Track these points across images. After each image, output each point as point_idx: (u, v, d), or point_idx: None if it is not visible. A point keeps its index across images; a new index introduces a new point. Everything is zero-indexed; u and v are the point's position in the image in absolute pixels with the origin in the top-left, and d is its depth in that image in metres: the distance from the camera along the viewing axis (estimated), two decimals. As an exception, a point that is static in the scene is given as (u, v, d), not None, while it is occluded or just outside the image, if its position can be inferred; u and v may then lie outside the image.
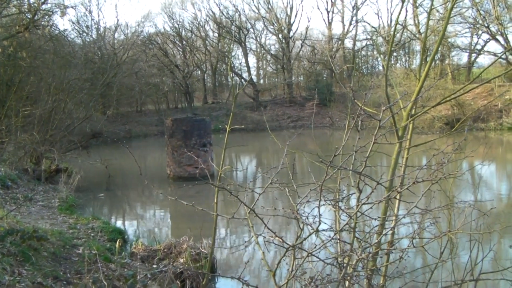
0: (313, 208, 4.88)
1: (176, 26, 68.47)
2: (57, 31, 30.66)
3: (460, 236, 6.60)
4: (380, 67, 67.30)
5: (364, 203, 4.69)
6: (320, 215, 4.54)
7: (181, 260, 11.88)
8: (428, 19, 7.43)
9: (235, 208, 5.40)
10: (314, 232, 4.51)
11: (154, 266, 11.88)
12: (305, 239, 4.58)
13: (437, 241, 6.21)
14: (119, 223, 19.19)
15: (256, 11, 66.89)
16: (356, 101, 5.06)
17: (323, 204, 4.71)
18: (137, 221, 20.24)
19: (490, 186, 24.78)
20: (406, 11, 61.83)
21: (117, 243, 12.91)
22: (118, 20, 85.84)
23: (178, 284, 10.62)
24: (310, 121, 53.58)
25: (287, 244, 4.58)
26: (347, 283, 4.63)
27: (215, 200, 5.70)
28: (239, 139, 39.78)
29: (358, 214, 4.83)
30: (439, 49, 59.82)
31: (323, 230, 4.74)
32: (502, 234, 13.68)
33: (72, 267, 10.46)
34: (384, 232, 5.05)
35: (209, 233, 12.10)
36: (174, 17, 68.85)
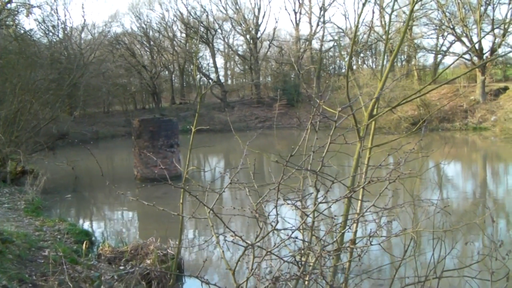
0: (273, 207, 4.94)
1: (144, 26, 68.37)
2: (22, 31, 30.36)
3: (426, 235, 6.70)
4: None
5: (320, 202, 4.77)
6: (277, 214, 4.59)
7: (148, 261, 11.85)
8: (390, 21, 7.53)
9: (203, 208, 5.43)
10: (273, 231, 4.56)
11: (121, 267, 11.83)
12: (263, 237, 4.62)
13: (401, 240, 6.30)
14: (86, 225, 19.05)
15: (224, 11, 66.99)
16: (318, 101, 5.12)
17: (282, 204, 4.78)
18: (104, 222, 20.11)
19: (456, 185, 25.10)
20: (373, 12, 62.66)
21: (84, 245, 12.82)
22: (85, 20, 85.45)
23: (144, 285, 10.60)
24: (278, 121, 53.70)
25: (246, 242, 4.63)
26: (306, 281, 4.69)
27: (181, 201, 5.71)
28: (207, 140, 39.77)
29: (320, 212, 4.92)
30: (405, 50, 60.58)
31: (282, 229, 4.81)
32: (467, 232, 13.88)
33: (37, 269, 10.38)
34: (343, 231, 5.10)
35: (177, 234, 12.11)
36: (142, 17, 68.79)
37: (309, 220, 4.73)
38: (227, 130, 51.15)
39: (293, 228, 4.69)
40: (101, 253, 13.01)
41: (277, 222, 4.56)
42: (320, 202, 4.78)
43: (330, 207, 5.05)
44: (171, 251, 12.08)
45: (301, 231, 4.91)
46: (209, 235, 16.52)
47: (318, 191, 4.85)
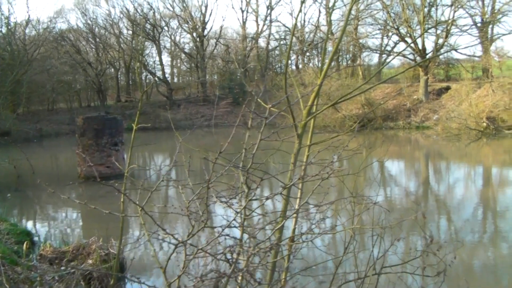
0: (216, 205, 4.95)
1: (89, 22, 67.58)
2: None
3: (368, 232, 6.77)
4: (294, 67, 68.17)
5: (250, 199, 4.79)
6: (207, 211, 4.59)
7: (90, 261, 11.72)
8: (329, 20, 7.60)
9: (148, 206, 5.39)
10: (202, 228, 4.57)
11: (62, 268, 11.65)
12: (193, 235, 4.62)
13: (342, 238, 6.36)
14: (29, 225, 18.73)
15: (171, 9, 66.66)
16: (250, 99, 5.14)
17: (214, 202, 4.79)
18: (48, 222, 19.80)
19: (399, 183, 25.52)
20: (320, 11, 63.22)
21: (24, 245, 12.61)
22: (29, 15, 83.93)
23: (83, 286, 10.45)
24: (224, 119, 53.72)
25: (177, 240, 4.62)
26: (239, 278, 4.70)
27: (121, 199, 5.65)
28: (153, 138, 39.43)
29: (252, 211, 4.95)
30: (351, 49, 61.24)
31: (212, 226, 4.81)
32: (410, 229, 14.13)
33: (-25, 270, 10.14)
34: (276, 228, 5.13)
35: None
36: (88, 13, 68.00)
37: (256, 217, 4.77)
38: (173, 128, 50.63)
39: (229, 225, 4.70)
40: (42, 253, 12.81)
41: (207, 219, 4.56)
42: (250, 199, 4.81)
43: (263, 204, 5.08)
44: (113, 251, 11.97)
45: (240, 229, 4.93)
46: (157, 233, 16.42)
47: (249, 188, 4.87)
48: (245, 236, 5.09)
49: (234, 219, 4.68)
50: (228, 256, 4.60)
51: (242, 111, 5.38)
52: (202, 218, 4.62)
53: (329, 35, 50.65)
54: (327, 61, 6.12)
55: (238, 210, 4.78)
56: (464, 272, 12.42)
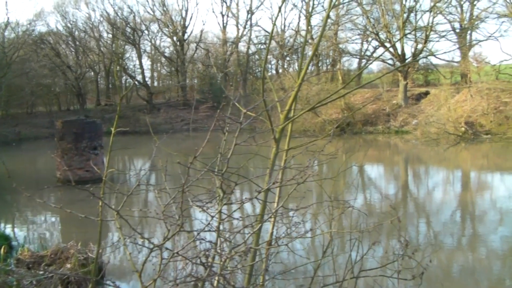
0: (184, 209, 4.96)
1: (69, 25, 67.11)
2: None
3: (347, 236, 6.81)
4: (274, 71, 68.28)
5: (225, 204, 4.81)
6: (182, 215, 4.59)
7: (68, 266, 11.65)
8: (308, 25, 7.64)
9: (128, 211, 5.38)
10: (177, 232, 4.57)
11: (40, 272, 11.57)
12: (168, 239, 4.62)
13: (320, 242, 6.39)
14: (7, 229, 18.59)
15: (151, 13, 66.45)
16: (222, 104, 5.17)
17: (190, 206, 4.79)
18: (26, 226, 19.65)
19: (378, 187, 25.64)
20: (300, 16, 63.35)
21: (2, 249, 12.51)
22: (8, 17, 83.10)
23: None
24: (204, 123, 53.61)
25: (152, 244, 4.62)
26: (215, 282, 4.71)
27: (100, 204, 5.63)
28: (133, 142, 39.28)
29: (227, 215, 4.97)
30: (331, 54, 61.48)
31: (188, 230, 4.82)
32: (389, 233, 14.19)
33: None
34: (252, 232, 5.14)
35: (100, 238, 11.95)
36: (67, 16, 67.46)
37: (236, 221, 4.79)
38: (153, 133, 50.51)
39: (207, 229, 4.71)
40: (20, 258, 12.72)
41: (182, 223, 4.56)
42: (225, 204, 4.82)
43: (239, 208, 5.10)
44: (91, 255, 11.91)
45: (218, 233, 4.94)
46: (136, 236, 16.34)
47: (224, 192, 4.88)
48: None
49: (209, 223, 4.68)
50: (204, 260, 4.61)
51: (217, 115, 5.40)
52: (178, 222, 4.62)
53: (309, 40, 50.85)
54: (304, 65, 6.15)
55: (213, 214, 4.79)
56: (443, 275, 12.51)
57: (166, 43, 72.50)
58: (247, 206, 15.93)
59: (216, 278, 4.62)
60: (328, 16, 6.36)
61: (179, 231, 4.57)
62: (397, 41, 51.83)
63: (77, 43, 67.20)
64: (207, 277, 4.51)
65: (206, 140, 5.23)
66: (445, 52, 71.11)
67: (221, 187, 4.91)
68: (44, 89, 61.10)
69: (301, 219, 5.88)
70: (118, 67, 66.18)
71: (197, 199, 4.97)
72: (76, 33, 67.66)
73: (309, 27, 52.07)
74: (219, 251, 4.76)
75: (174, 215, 4.76)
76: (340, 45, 58.71)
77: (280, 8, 6.43)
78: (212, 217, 4.70)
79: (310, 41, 50.37)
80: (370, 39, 58.28)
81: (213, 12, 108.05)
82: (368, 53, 61.31)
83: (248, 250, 4.70)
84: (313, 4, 48.90)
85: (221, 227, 4.97)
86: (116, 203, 5.30)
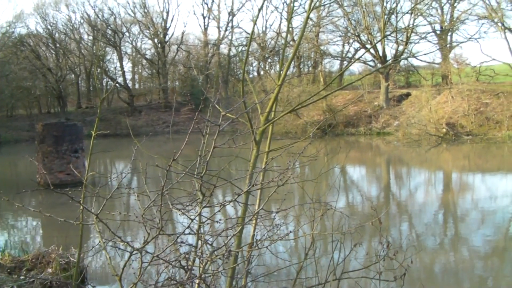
0: (164, 212, 4.92)
1: (49, 27, 66.70)
2: None
3: (330, 238, 6.79)
4: (255, 73, 68.35)
5: (205, 206, 4.78)
6: (161, 218, 4.56)
7: (50, 270, 11.54)
8: (288, 27, 7.62)
9: (109, 214, 5.33)
10: (157, 236, 4.54)
11: (22, 277, 11.45)
12: (148, 242, 4.59)
13: (303, 244, 6.38)
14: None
15: (132, 14, 66.33)
16: (197, 107, 5.15)
17: (170, 209, 4.76)
18: (7, 230, 19.44)
19: (361, 189, 25.68)
20: (281, 19, 63.41)
21: (-18, 255, 12.38)
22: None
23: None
24: (186, 126, 53.48)
25: (132, 247, 4.58)
26: (196, 285, 4.67)
27: (81, 208, 5.58)
28: (114, 145, 39.16)
29: (207, 218, 4.95)
30: (312, 56, 61.63)
31: (168, 234, 4.78)
32: (373, 234, 14.22)
33: None
34: (233, 234, 5.11)
35: (83, 242, 11.87)
36: (48, 18, 67.05)
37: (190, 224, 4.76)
38: (135, 135, 50.26)
39: (187, 232, 4.68)
40: (0, 262, 12.58)
41: (162, 226, 4.52)
42: (205, 206, 4.80)
43: (219, 211, 5.08)
44: (73, 259, 11.81)
45: (198, 236, 4.91)
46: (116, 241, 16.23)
47: (203, 195, 4.86)
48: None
49: (189, 226, 4.65)
50: (184, 263, 4.58)
51: (196, 117, 5.37)
52: (158, 225, 4.58)
53: (290, 42, 50.92)
54: (285, 67, 6.12)
55: (193, 217, 4.77)
56: (426, 276, 12.54)
57: (147, 45, 72.40)
58: (230, 209, 15.89)
59: (197, 281, 4.59)
60: (308, 18, 6.34)
61: (159, 234, 4.54)
62: (377, 42, 52.21)
63: (58, 45, 66.79)
64: (187, 280, 4.48)
65: (185, 142, 5.19)
66: (425, 54, 71.52)
67: (201, 190, 4.89)
68: (24, 92, 60.64)
69: (283, 222, 5.86)
70: (99, 69, 65.84)
71: (178, 202, 4.94)
72: (57, 35, 67.33)
73: (290, 29, 52.24)
74: (199, 254, 4.74)
75: (154, 218, 4.72)
76: (322, 47, 58.89)
77: (260, 9, 6.36)
78: (192, 219, 4.67)
79: (291, 43, 50.46)
80: (351, 41, 58.62)
81: (194, 14, 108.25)
82: (349, 55, 61.62)
83: (229, 253, 4.68)
84: (293, 6, 48.86)
85: (202, 230, 4.94)
86: (97, 206, 5.25)
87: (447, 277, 12.68)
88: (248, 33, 64.67)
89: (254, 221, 5.72)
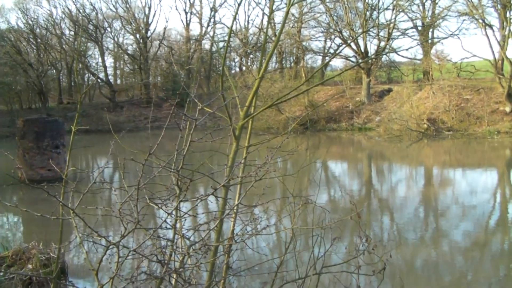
0: (142, 207, 4.93)
1: (30, 22, 66.16)
2: None
3: (311, 233, 6.81)
4: (237, 69, 68.35)
5: (181, 200, 4.79)
6: (137, 212, 4.56)
7: (30, 266, 11.48)
8: (269, 23, 7.64)
9: (87, 209, 5.31)
10: (133, 230, 4.54)
11: (1, 273, 11.39)
12: (124, 236, 4.59)
13: (284, 239, 6.40)
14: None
15: (114, 10, 66.03)
16: (171, 102, 5.16)
17: (147, 204, 4.76)
18: (-13, 228, 19.33)
19: (342, 184, 25.78)
20: (263, 15, 63.44)
21: (-39, 251, 12.30)
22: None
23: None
24: (167, 121, 53.30)
25: (108, 242, 4.58)
26: (173, 280, 4.68)
27: (60, 203, 5.55)
28: (95, 141, 38.93)
29: (185, 212, 4.96)
30: (294, 52, 61.75)
31: (145, 228, 4.79)
32: (352, 229, 14.28)
33: None
34: (211, 228, 5.12)
35: (64, 238, 11.80)
36: (28, 13, 66.57)
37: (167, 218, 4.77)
38: (116, 131, 50.01)
39: (164, 226, 4.69)
40: (-20, 259, 12.51)
41: (138, 221, 4.52)
42: (181, 200, 4.80)
43: (196, 205, 5.08)
44: (53, 255, 11.75)
45: (175, 230, 4.92)
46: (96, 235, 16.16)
47: (180, 189, 4.86)
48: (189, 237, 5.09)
49: (165, 221, 4.66)
50: (160, 257, 4.58)
51: (173, 112, 5.38)
52: (135, 219, 4.58)
53: (273, 37, 50.97)
54: (265, 61, 6.13)
55: (170, 212, 4.78)
56: (407, 270, 12.63)
57: (129, 41, 72.17)
58: (213, 205, 15.91)
59: (175, 275, 4.60)
60: (288, 12, 6.35)
61: (136, 229, 4.54)
62: (358, 36, 52.40)
63: (39, 40, 66.25)
64: (163, 274, 4.49)
65: (161, 137, 5.20)
66: (406, 49, 71.79)
67: (178, 184, 4.90)
68: (5, 87, 60.12)
69: (264, 216, 5.88)
70: (80, 65, 65.47)
71: (156, 196, 4.94)
72: (38, 30, 66.78)
73: (272, 24, 52.33)
74: (175, 248, 4.74)
75: (132, 213, 4.72)
76: (304, 43, 59.01)
77: (239, 3, 6.43)
78: (169, 214, 4.68)
79: (274, 38, 50.52)
80: (333, 36, 58.76)
81: (176, 9, 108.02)
82: (331, 51, 61.74)
83: (207, 247, 4.69)
84: (274, 1, 48.90)
85: (179, 225, 4.95)
86: (79, 202, 5.24)
87: (427, 271, 12.77)
88: (233, 32, 64.65)
89: (233, 216, 5.73)
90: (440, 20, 53.17)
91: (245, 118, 5.82)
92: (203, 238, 4.79)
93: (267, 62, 6.30)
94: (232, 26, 6.37)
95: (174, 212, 4.80)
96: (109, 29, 67.46)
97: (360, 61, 52.01)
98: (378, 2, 51.65)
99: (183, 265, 4.75)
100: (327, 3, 53.10)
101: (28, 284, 10.66)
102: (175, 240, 4.89)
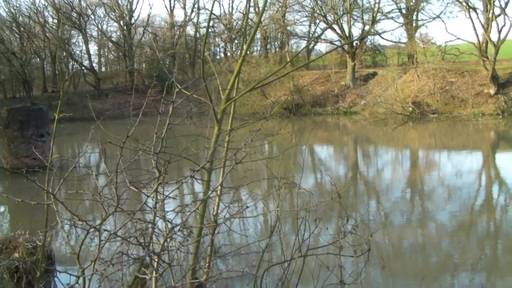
0: (123, 191, 4.95)
1: (13, 11, 65.43)
2: None
3: (295, 216, 6.86)
4: (222, 55, 68.21)
5: (160, 183, 4.81)
6: (117, 196, 4.57)
7: (16, 255, 11.47)
8: (248, 7, 7.63)
9: (77, 195, 5.33)
10: (113, 213, 4.56)
11: (-12, 262, 11.36)
12: (104, 219, 4.61)
13: (269, 223, 6.45)
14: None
15: (97, -3, 65.45)
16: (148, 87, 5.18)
17: (127, 188, 4.78)
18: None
19: (328, 167, 25.84)
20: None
21: None
22: None
23: (7, 279, 10.24)
24: (153, 108, 53.15)
25: (89, 225, 4.60)
26: (155, 263, 4.71)
27: (45, 190, 5.55)
28: (81, 129, 38.78)
29: (166, 196, 4.99)
30: (279, 36, 61.63)
31: (125, 211, 4.81)
32: (338, 212, 14.35)
33: None
34: (192, 211, 5.15)
35: (50, 225, 11.78)
36: (10, 1, 65.79)
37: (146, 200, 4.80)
38: (101, 118, 49.85)
39: (144, 209, 4.72)
40: (-33, 248, 12.47)
41: (118, 204, 4.54)
42: (160, 183, 4.82)
43: (177, 188, 5.11)
44: (40, 243, 11.73)
45: (155, 213, 4.94)
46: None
47: (159, 172, 4.88)
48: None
49: (145, 203, 4.68)
50: (141, 240, 4.60)
51: (148, 95, 5.40)
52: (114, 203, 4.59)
53: (246, 23, 50.84)
54: (246, 44, 6.14)
55: (149, 194, 4.80)
56: (393, 252, 12.73)
57: (113, 28, 71.79)
58: (198, 189, 15.91)
59: (156, 258, 4.62)
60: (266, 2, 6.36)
61: (115, 212, 4.56)
62: (341, 16, 52.39)
63: (22, 29, 65.61)
64: (143, 256, 4.52)
65: (137, 121, 5.21)
66: (390, 31, 72.13)
67: (157, 167, 4.93)
68: (-12, 77, 59.80)
69: (249, 199, 5.92)
70: (64, 53, 64.99)
71: (137, 180, 4.96)
72: (20, 18, 66.11)
73: (256, 10, 52.17)
74: (156, 230, 4.77)
75: (114, 197, 4.74)
76: (288, 28, 58.94)
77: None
78: (148, 196, 4.70)
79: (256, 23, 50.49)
80: (317, 21, 58.71)
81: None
82: (316, 35, 61.68)
83: (190, 230, 4.71)
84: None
85: (159, 207, 4.97)
86: (66, 188, 5.26)
87: (414, 253, 12.86)
88: (215, 15, 64.41)
89: (217, 199, 5.76)
90: (424, 3, 53.24)
91: (227, 101, 5.83)
92: (184, 221, 4.80)
93: (249, 44, 6.32)
94: (212, 9, 6.37)
95: (154, 195, 4.82)
96: (92, 16, 67.09)
97: (344, 43, 52.01)
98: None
99: (165, 247, 4.78)
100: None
101: (15, 272, 10.64)
102: (156, 223, 4.91)
